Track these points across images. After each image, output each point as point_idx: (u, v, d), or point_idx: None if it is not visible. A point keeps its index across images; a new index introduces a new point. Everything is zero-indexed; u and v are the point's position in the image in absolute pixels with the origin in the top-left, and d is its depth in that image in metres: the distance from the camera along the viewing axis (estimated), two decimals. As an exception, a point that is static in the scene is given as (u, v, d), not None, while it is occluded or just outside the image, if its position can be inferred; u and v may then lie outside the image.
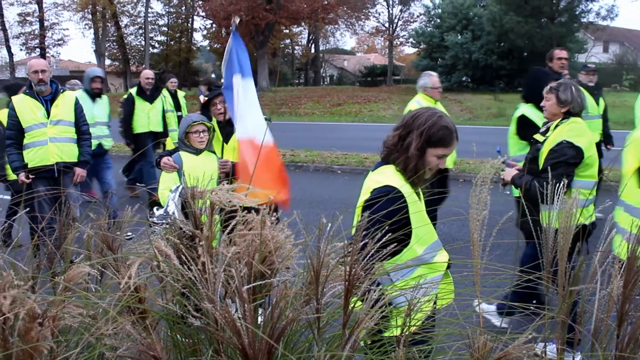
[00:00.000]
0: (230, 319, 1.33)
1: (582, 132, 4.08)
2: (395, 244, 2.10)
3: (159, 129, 9.44)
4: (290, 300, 1.50)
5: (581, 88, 4.27)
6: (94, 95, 8.07)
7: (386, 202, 2.35)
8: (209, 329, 1.43)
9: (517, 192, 4.64)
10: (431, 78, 6.61)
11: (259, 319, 1.54)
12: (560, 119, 4.18)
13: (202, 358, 1.55)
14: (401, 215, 2.35)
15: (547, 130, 4.27)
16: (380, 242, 1.54)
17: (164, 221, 3.13)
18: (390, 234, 2.04)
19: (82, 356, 1.46)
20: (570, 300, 1.71)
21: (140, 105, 9.29)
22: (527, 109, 5.45)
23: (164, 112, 9.60)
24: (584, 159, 4.01)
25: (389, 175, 2.54)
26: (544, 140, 4.19)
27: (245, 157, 4.46)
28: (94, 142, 7.79)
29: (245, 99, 4.53)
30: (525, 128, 5.31)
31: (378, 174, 2.60)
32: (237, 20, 4.87)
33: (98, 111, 8.11)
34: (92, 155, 6.45)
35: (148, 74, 9.46)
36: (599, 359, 1.53)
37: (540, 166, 4.09)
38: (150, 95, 9.35)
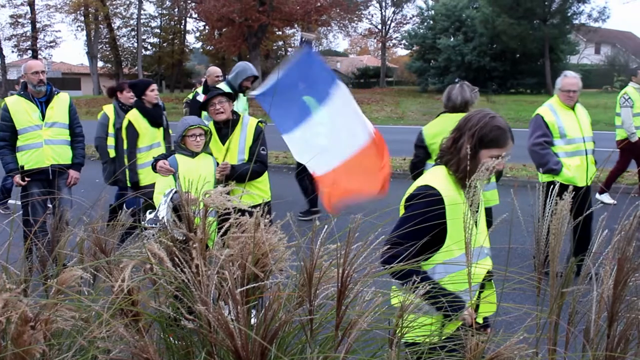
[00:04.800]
0: (223, 321, 1.34)
1: (434, 124, 4.94)
2: (428, 243, 2.29)
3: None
4: (283, 302, 1.50)
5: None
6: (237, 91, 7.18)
7: (422, 201, 2.40)
8: (202, 331, 1.43)
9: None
10: (564, 79, 5.63)
11: (252, 320, 1.54)
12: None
13: (195, 360, 1.55)
14: (435, 215, 2.37)
15: None
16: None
17: (154, 225, 3.13)
18: (421, 233, 2.19)
19: (75, 359, 1.46)
20: (561, 301, 1.73)
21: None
22: None
23: None
24: (426, 145, 4.83)
25: (435, 176, 2.57)
26: None
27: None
28: None
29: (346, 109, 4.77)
30: None
31: (428, 173, 2.66)
32: (312, 37, 4.98)
33: (238, 108, 7.33)
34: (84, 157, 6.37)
35: (217, 71, 8.38)
36: (590, 359, 1.55)
37: None
38: None
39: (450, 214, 2.44)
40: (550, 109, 5.63)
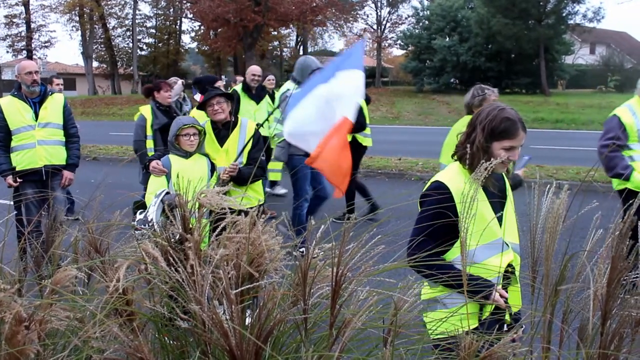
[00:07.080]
0: (218, 321, 1.33)
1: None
2: (448, 235, 2.40)
3: (266, 132, 7.11)
4: (278, 302, 1.51)
5: None
6: None
7: (432, 196, 2.49)
8: (197, 331, 1.43)
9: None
10: None
11: (247, 320, 1.54)
12: None
13: (190, 360, 1.55)
14: (446, 209, 2.42)
15: None
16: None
17: (143, 225, 3.12)
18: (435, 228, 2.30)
19: (69, 359, 1.46)
20: (555, 299, 1.73)
21: (245, 104, 7.88)
22: None
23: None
24: None
25: (448, 172, 2.63)
26: None
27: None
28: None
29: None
30: None
31: (444, 169, 2.71)
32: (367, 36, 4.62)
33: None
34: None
35: (255, 70, 8.15)
36: (584, 358, 1.55)
37: None
38: (256, 95, 8.07)
39: (461, 207, 2.47)
40: (630, 110, 5.09)
